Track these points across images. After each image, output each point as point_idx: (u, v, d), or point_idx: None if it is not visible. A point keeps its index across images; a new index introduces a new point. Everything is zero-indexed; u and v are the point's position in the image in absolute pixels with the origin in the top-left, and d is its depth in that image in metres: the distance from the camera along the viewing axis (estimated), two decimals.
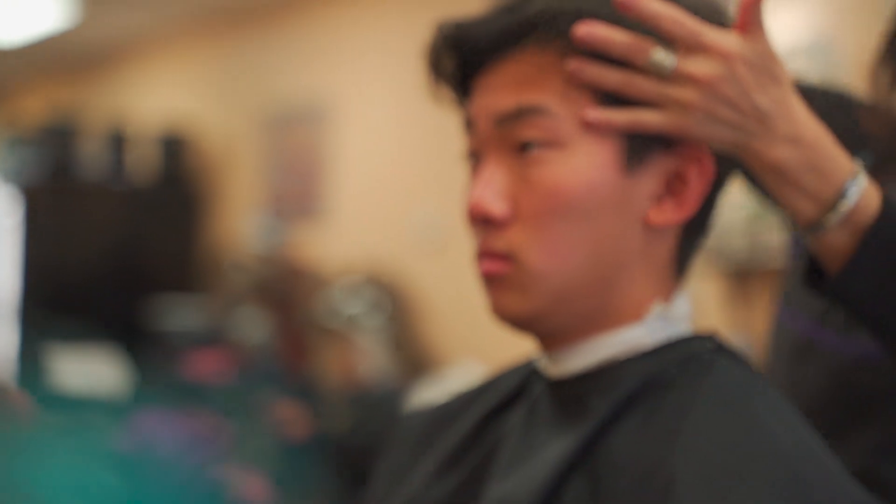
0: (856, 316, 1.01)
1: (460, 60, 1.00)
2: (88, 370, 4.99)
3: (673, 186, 0.97)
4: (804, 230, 0.98)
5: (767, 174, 0.96)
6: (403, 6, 5.35)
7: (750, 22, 0.94)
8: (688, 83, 0.92)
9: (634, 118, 0.94)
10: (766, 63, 0.94)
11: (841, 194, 0.96)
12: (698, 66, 0.92)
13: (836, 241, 0.97)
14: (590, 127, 0.94)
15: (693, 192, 0.97)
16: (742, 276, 3.91)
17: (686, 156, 0.97)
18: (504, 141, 0.97)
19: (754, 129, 0.94)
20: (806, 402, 1.16)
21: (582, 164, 0.95)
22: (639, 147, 0.96)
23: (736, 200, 3.73)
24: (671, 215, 0.97)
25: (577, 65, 0.93)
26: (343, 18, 5.88)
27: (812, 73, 3.59)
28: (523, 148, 0.96)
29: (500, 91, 0.97)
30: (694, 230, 1.00)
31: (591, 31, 0.92)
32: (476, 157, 1.01)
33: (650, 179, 0.96)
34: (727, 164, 1.00)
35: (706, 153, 0.97)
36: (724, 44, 0.93)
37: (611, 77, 0.93)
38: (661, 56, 0.93)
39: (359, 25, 5.77)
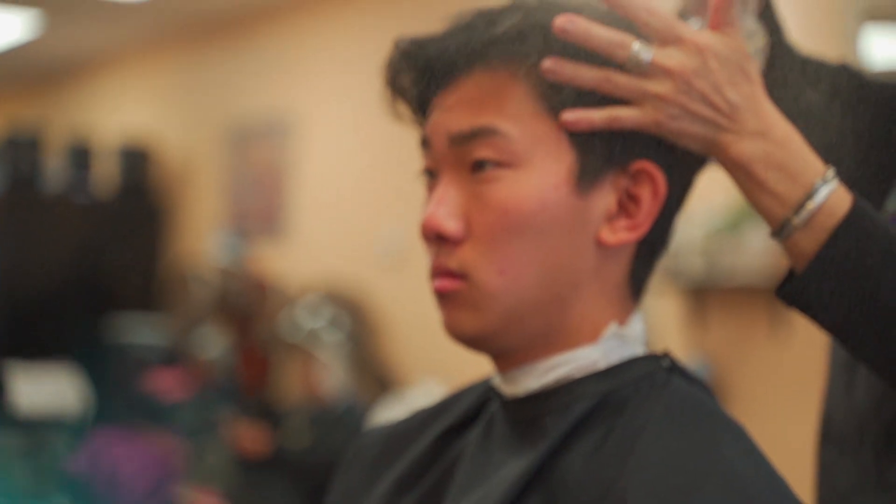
0: (815, 323, 0.99)
1: (417, 78, 1.00)
2: (47, 387, 4.95)
3: (626, 206, 0.97)
4: (773, 232, 0.97)
5: (735, 171, 0.96)
6: (366, 22, 5.36)
7: (722, 19, 0.95)
8: (662, 77, 0.92)
9: (611, 115, 0.93)
10: (737, 59, 0.94)
11: (808, 195, 0.95)
12: (673, 59, 0.93)
13: (802, 244, 0.96)
14: (569, 127, 0.94)
15: (646, 212, 0.97)
16: (699, 294, 3.94)
17: (639, 175, 0.97)
18: (458, 159, 0.97)
19: (724, 124, 0.94)
20: (854, 417, 1.16)
21: (535, 183, 0.95)
22: (591, 167, 0.96)
23: (693, 219, 3.76)
24: (624, 235, 0.97)
25: (552, 63, 0.93)
26: (305, 34, 5.89)
27: None
28: (477, 167, 0.96)
29: (454, 110, 0.97)
30: (649, 250, 1.00)
31: (573, 22, 0.92)
32: (432, 175, 1.01)
33: (603, 199, 0.97)
34: (682, 183, 1.01)
35: (659, 173, 0.97)
36: (698, 37, 0.93)
37: (587, 74, 0.93)
38: (638, 48, 0.93)
39: (321, 42, 5.78)
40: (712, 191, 3.81)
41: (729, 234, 3.72)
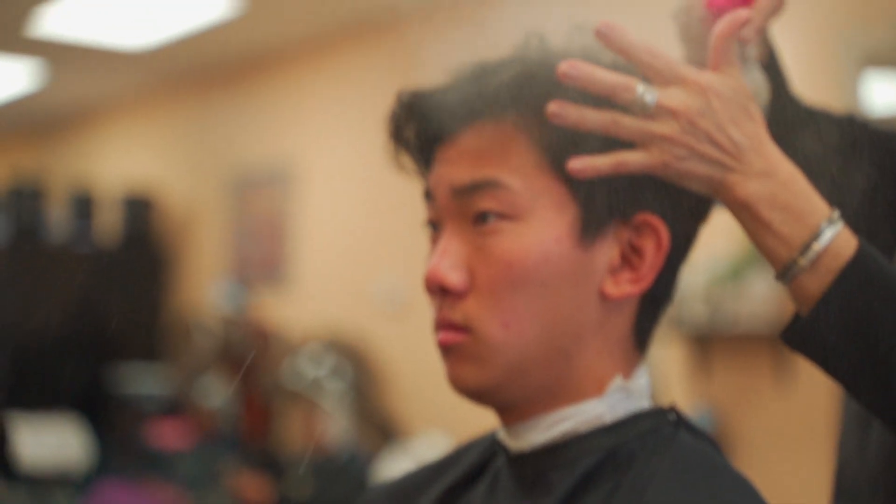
0: (819, 366, 0.98)
1: (419, 130, 1.01)
2: (49, 439, 4.93)
3: (629, 258, 0.97)
4: (777, 274, 0.96)
5: (740, 211, 0.94)
6: (367, 73, 5.39)
7: (721, 59, 0.95)
8: (667, 117, 0.92)
9: (617, 160, 0.92)
10: (740, 98, 0.94)
11: (814, 236, 0.94)
12: (677, 99, 0.92)
13: (808, 286, 0.94)
14: (576, 175, 0.93)
15: (650, 265, 0.97)
16: (702, 342, 3.93)
17: (642, 228, 0.97)
18: (461, 211, 0.97)
19: (730, 164, 0.93)
20: (868, 469, 1.15)
21: (537, 235, 0.95)
22: (594, 219, 0.96)
23: (695, 266, 3.75)
24: (628, 288, 0.97)
25: (557, 107, 0.92)
26: (307, 84, 5.92)
27: None
28: (480, 219, 0.96)
29: (457, 163, 0.97)
30: (653, 302, 1.00)
31: (576, 67, 0.91)
32: (435, 227, 1.01)
33: (606, 252, 0.96)
34: (686, 235, 1.01)
35: (662, 225, 0.97)
36: (700, 77, 0.93)
37: (593, 117, 0.92)
38: (643, 91, 0.92)
39: (322, 91, 5.81)
40: (714, 238, 3.81)
41: (732, 281, 3.72)
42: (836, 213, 0.95)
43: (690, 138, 0.92)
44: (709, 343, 3.92)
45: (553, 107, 0.92)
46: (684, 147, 0.92)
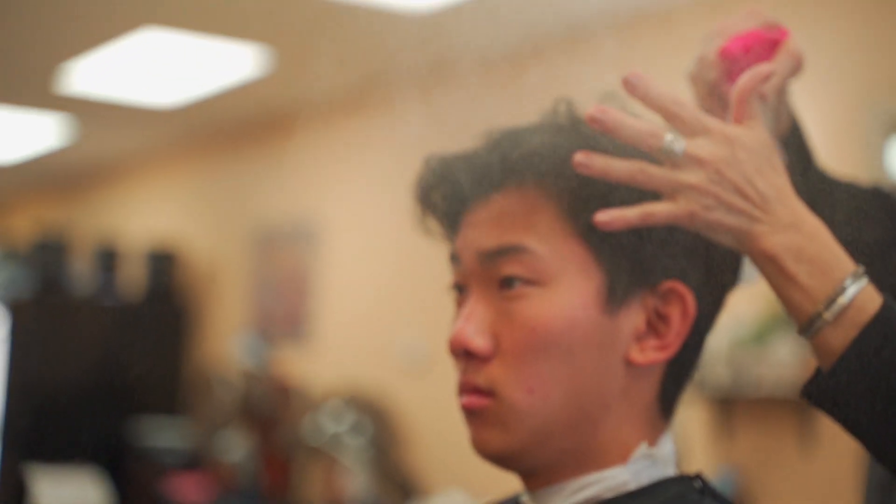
0: (840, 422, 0.96)
1: (447, 195, 1.01)
2: (69, 491, 4.93)
3: (655, 325, 0.97)
4: (801, 329, 0.94)
5: (765, 264, 0.93)
6: (392, 132, 5.41)
7: (745, 112, 0.95)
8: (695, 167, 0.91)
9: (645, 211, 0.92)
10: (764, 150, 0.94)
11: (839, 290, 0.92)
12: (704, 149, 0.91)
13: (831, 341, 0.93)
14: (604, 228, 0.92)
15: (676, 332, 0.97)
16: (726, 404, 3.90)
17: (668, 295, 0.97)
18: (487, 276, 0.98)
19: (756, 215, 0.92)
20: None
21: (564, 301, 0.95)
22: (620, 286, 0.96)
23: (719, 329, 3.74)
24: (653, 355, 0.97)
25: (584, 157, 0.92)
26: (332, 143, 5.96)
27: None
28: (506, 283, 0.96)
29: (483, 227, 0.98)
30: (679, 370, 1.00)
31: (605, 112, 0.91)
32: (461, 290, 1.01)
33: (632, 318, 0.96)
34: (713, 302, 1.00)
35: (689, 292, 0.97)
36: (726, 128, 0.93)
37: (620, 167, 0.92)
38: (671, 139, 0.92)
39: (346, 149, 5.84)
40: (738, 301, 3.79)
41: (755, 344, 3.70)
42: (861, 269, 0.94)
43: (718, 188, 0.91)
44: (732, 406, 3.90)
45: (580, 157, 0.91)
46: (712, 197, 0.91)
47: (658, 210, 0.92)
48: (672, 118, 0.93)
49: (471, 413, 0.98)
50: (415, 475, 4.92)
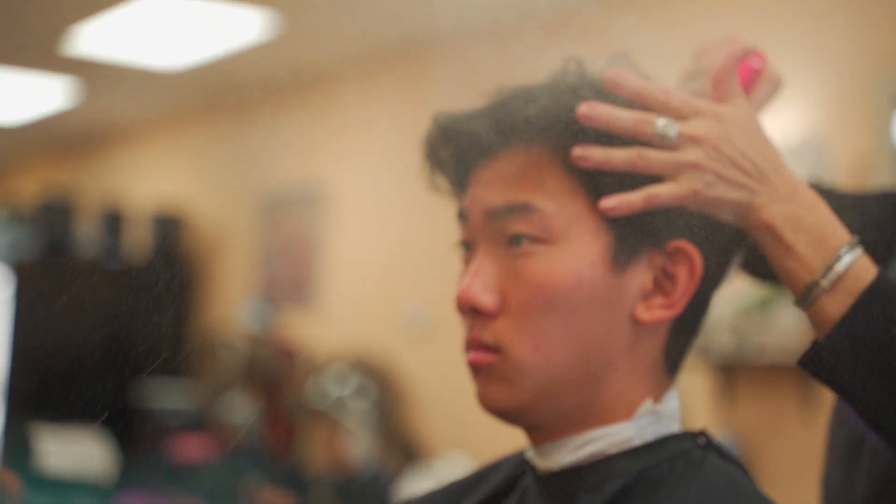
0: (837, 391, 0.97)
1: (455, 153, 1.02)
2: (74, 451, 4.96)
3: (662, 284, 0.98)
4: (798, 298, 0.96)
5: (764, 234, 0.95)
6: (397, 96, 5.41)
7: (726, 90, 0.97)
8: (692, 146, 0.93)
9: (649, 194, 0.93)
10: (752, 124, 0.96)
11: (835, 259, 0.94)
12: (698, 128, 0.94)
13: (828, 308, 0.95)
14: (610, 213, 0.94)
15: (682, 291, 0.97)
16: (728, 371, 3.92)
17: (676, 254, 0.98)
18: (495, 233, 0.98)
19: (755, 188, 0.94)
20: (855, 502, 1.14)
21: (571, 259, 0.96)
22: (628, 245, 0.96)
23: (722, 296, 3.75)
24: (660, 313, 0.97)
25: (582, 151, 0.94)
26: (339, 107, 5.95)
27: (802, 173, 3.63)
28: (514, 241, 0.97)
29: (491, 186, 0.98)
30: (684, 328, 1.01)
31: (595, 109, 0.93)
32: (468, 248, 1.02)
33: (639, 277, 0.97)
34: (719, 262, 1.01)
35: (696, 252, 0.98)
36: (715, 107, 0.95)
37: (619, 156, 0.93)
38: (664, 124, 0.94)
39: (352, 114, 5.83)
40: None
41: (758, 312, 3.71)
42: (856, 239, 0.96)
43: (716, 164, 0.93)
44: (734, 372, 3.91)
45: (578, 151, 0.93)
46: (712, 173, 0.93)
47: (662, 191, 0.93)
48: (662, 106, 0.95)
49: (477, 369, 0.99)
50: (418, 439, 4.94)
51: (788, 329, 3.64)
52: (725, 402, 3.94)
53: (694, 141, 0.93)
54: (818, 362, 0.96)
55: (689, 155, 0.93)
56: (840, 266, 0.94)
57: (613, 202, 0.94)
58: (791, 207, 0.95)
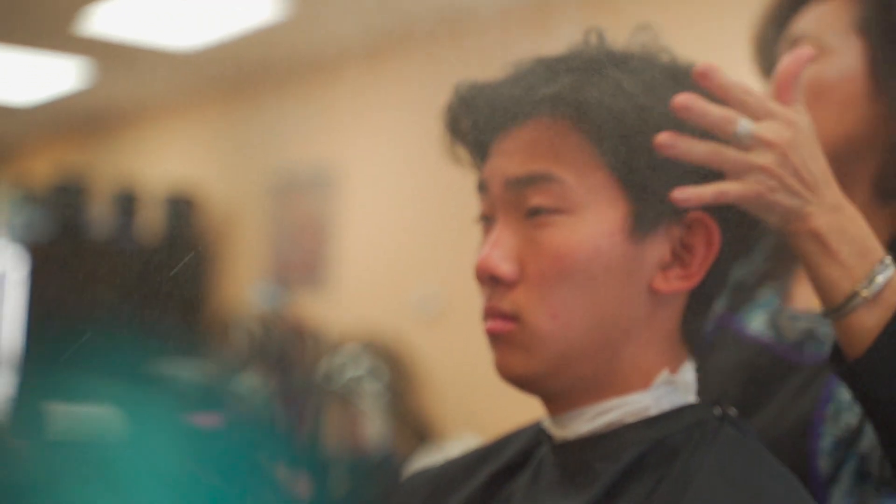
0: (872, 401, 1.00)
1: (476, 123, 1.02)
2: (87, 431, 4.98)
3: (680, 255, 0.98)
4: (835, 308, 0.99)
5: (809, 243, 0.98)
6: (410, 78, 5.41)
7: (790, 95, 0.99)
8: (763, 149, 0.96)
9: (719, 190, 0.96)
10: (812, 133, 0.98)
11: (877, 271, 0.98)
12: (771, 132, 0.96)
13: (866, 319, 0.98)
14: (682, 205, 0.95)
15: (700, 262, 0.98)
16: None
17: (694, 225, 0.98)
18: (515, 204, 0.99)
19: (808, 197, 0.97)
20: (718, 378, 1.20)
21: (589, 229, 0.96)
22: (646, 216, 0.97)
23: None
24: (677, 283, 0.98)
25: (668, 138, 0.94)
26: (352, 89, 5.95)
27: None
28: (533, 212, 0.97)
29: (512, 156, 0.99)
30: (702, 300, 1.01)
31: (694, 101, 0.95)
32: (488, 218, 1.02)
33: (657, 247, 0.98)
34: (737, 235, 1.01)
35: (713, 224, 0.98)
36: (788, 112, 0.97)
37: (700, 148, 0.95)
38: (744, 125, 0.96)
39: (367, 97, 5.83)
40: None
41: None
42: (889, 258, 0.99)
43: (782, 170, 0.95)
44: None
45: (664, 137, 0.94)
46: (776, 178, 0.95)
47: (730, 189, 0.96)
48: (740, 105, 0.97)
49: (495, 337, 0.99)
50: (429, 419, 4.96)
51: None
52: None
53: (767, 145, 0.95)
54: (858, 371, 0.99)
55: (761, 158, 0.95)
56: (881, 278, 0.97)
57: (685, 194, 0.95)
58: (838, 218, 0.97)
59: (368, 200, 5.72)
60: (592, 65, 0.98)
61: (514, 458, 1.07)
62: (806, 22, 1.28)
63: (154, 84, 7.13)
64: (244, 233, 6.68)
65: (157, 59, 6.44)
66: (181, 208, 6.80)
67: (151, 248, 6.67)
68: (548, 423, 1.03)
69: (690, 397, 1.00)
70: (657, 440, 0.96)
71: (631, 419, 0.98)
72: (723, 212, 0.99)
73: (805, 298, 1.27)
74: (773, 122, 0.96)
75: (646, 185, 0.96)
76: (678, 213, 0.98)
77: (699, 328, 1.03)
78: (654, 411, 0.98)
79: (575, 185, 0.96)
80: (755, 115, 0.96)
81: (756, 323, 1.29)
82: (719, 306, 1.31)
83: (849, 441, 1.15)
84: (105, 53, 6.42)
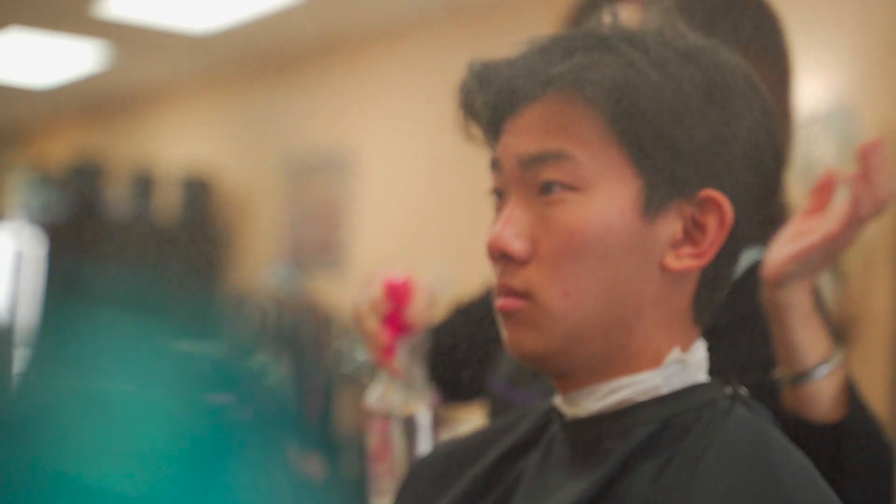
0: (851, 459, 1.14)
1: (489, 101, 1.02)
2: None
3: (692, 233, 0.98)
4: (802, 374, 1.14)
5: (803, 299, 1.15)
6: (424, 60, 5.41)
7: (871, 166, 1.12)
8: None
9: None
10: None
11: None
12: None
13: (827, 386, 1.14)
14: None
15: (711, 241, 0.98)
16: None
17: (706, 204, 0.98)
18: (527, 181, 0.99)
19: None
20: None
21: (601, 207, 0.96)
22: (658, 194, 0.97)
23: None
24: (689, 262, 0.98)
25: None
26: (367, 72, 5.95)
27: (831, 139, 3.61)
28: (545, 189, 0.97)
29: (525, 133, 0.99)
30: (713, 279, 1.01)
31: (879, 147, 1.10)
32: (500, 196, 1.02)
33: (669, 225, 0.98)
34: (749, 214, 1.01)
35: (726, 202, 0.98)
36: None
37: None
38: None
39: (380, 78, 5.83)
40: None
41: None
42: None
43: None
44: None
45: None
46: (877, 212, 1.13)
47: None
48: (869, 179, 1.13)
49: (506, 315, 1.00)
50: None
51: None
52: None
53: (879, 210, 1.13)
54: (845, 432, 1.14)
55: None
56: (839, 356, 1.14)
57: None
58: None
59: (383, 183, 5.72)
60: (606, 43, 0.98)
61: (525, 435, 1.07)
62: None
63: (171, 66, 7.14)
64: (260, 215, 6.70)
65: (174, 42, 6.45)
66: (197, 190, 6.82)
67: (168, 229, 6.69)
68: (558, 401, 1.04)
69: (701, 376, 1.01)
70: (668, 418, 0.96)
71: (642, 398, 0.98)
72: (735, 191, 0.98)
73: None
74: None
75: (658, 162, 0.96)
76: (690, 190, 0.97)
77: (711, 307, 1.03)
78: (664, 390, 0.98)
79: (587, 163, 0.96)
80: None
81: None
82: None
83: None
84: (122, 36, 6.44)
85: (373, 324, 1.36)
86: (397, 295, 1.29)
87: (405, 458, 1.26)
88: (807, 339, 1.12)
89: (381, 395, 1.27)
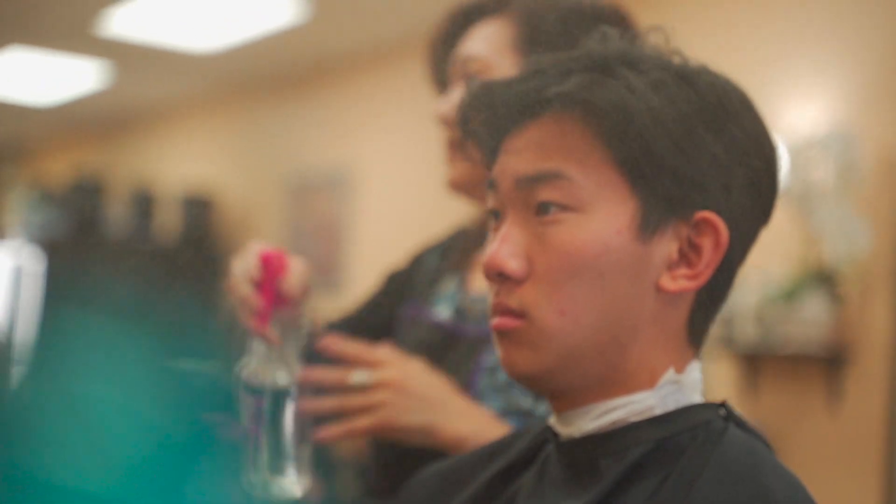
0: None
1: (487, 121, 1.03)
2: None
3: (687, 255, 0.98)
4: None
5: (452, 448, 1.27)
6: (424, 80, 5.42)
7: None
8: (381, 389, 1.31)
9: (348, 428, 1.33)
10: (424, 370, 1.35)
11: None
12: (385, 375, 1.31)
13: None
14: (324, 443, 1.20)
15: (707, 262, 0.98)
16: (752, 361, 3.91)
17: (701, 225, 0.98)
18: (524, 201, 0.99)
19: (437, 411, 1.29)
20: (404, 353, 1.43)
21: (598, 227, 0.97)
22: (654, 215, 0.97)
23: (747, 286, 3.74)
24: (684, 283, 0.98)
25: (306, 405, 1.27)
26: (368, 91, 5.96)
27: (830, 163, 3.62)
28: (542, 209, 0.98)
29: (521, 154, 1.00)
30: (708, 300, 1.01)
31: (317, 373, 1.32)
32: (497, 216, 1.03)
33: (665, 246, 0.98)
34: (744, 236, 1.02)
35: (721, 224, 0.98)
36: (397, 358, 1.36)
37: (327, 404, 1.33)
38: (358, 375, 1.33)
39: (381, 98, 5.85)
40: (768, 259, 3.80)
41: (784, 302, 3.71)
42: None
43: (402, 398, 1.33)
44: (759, 362, 3.91)
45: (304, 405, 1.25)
46: (396, 407, 1.33)
47: (358, 424, 1.31)
48: (355, 361, 1.33)
49: (502, 334, 1.00)
50: None
51: (814, 319, 3.64)
52: (750, 392, 3.94)
53: (382, 385, 1.30)
54: None
55: (378, 395, 1.29)
56: None
57: (327, 434, 1.34)
58: (469, 421, 1.29)
59: (384, 201, 5.73)
60: (603, 64, 0.99)
61: (520, 455, 1.08)
62: (472, 42, 1.47)
63: (172, 86, 7.16)
64: (260, 233, 6.70)
65: (176, 61, 6.47)
66: (198, 209, 6.83)
67: (168, 247, 6.70)
68: (553, 421, 1.04)
69: (696, 397, 1.01)
70: (662, 439, 0.97)
71: (636, 418, 0.98)
72: (731, 213, 0.99)
73: (480, 285, 1.53)
74: (385, 368, 1.30)
75: (654, 183, 0.97)
76: (686, 212, 0.98)
77: (706, 328, 1.03)
78: (659, 410, 0.98)
79: (584, 183, 0.97)
80: (370, 366, 1.31)
81: (441, 309, 1.57)
82: (415, 300, 1.64)
83: (505, 387, 1.40)
84: (124, 55, 6.46)
85: (246, 288, 1.38)
86: (271, 265, 1.35)
87: (276, 431, 1.34)
88: None
89: (253, 368, 1.34)
